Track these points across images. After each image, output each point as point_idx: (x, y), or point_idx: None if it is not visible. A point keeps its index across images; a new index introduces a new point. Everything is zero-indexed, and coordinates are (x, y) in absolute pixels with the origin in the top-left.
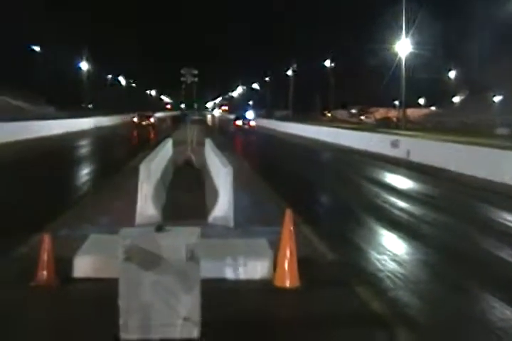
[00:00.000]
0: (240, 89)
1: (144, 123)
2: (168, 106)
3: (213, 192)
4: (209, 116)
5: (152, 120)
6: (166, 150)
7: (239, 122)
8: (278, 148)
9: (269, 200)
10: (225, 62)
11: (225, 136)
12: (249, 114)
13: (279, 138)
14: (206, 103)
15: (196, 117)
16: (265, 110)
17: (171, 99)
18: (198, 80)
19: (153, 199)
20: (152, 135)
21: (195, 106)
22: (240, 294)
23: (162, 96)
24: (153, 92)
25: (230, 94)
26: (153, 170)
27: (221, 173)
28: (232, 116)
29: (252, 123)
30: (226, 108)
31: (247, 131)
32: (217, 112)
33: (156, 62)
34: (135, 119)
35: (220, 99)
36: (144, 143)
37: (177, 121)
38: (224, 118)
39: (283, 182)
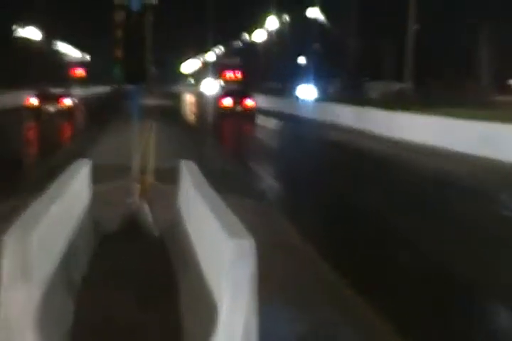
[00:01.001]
0: (269, 27)
1: (50, 109)
2: (80, 72)
3: (204, 307)
4: (189, 97)
5: (68, 102)
6: (72, 194)
7: (227, 101)
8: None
9: None
10: None
11: (231, 150)
12: (305, 90)
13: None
14: (181, 64)
15: (156, 101)
16: (341, 80)
17: (91, 54)
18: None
19: (39, 325)
20: (68, 133)
21: (153, 70)
22: None
23: (62, 47)
24: (63, 46)
25: (243, 38)
26: (40, 253)
27: (226, 258)
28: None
29: (249, 102)
30: (238, 74)
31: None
32: (211, 85)
33: None
34: (33, 101)
35: (219, 50)
36: (48, 152)
37: (104, 111)
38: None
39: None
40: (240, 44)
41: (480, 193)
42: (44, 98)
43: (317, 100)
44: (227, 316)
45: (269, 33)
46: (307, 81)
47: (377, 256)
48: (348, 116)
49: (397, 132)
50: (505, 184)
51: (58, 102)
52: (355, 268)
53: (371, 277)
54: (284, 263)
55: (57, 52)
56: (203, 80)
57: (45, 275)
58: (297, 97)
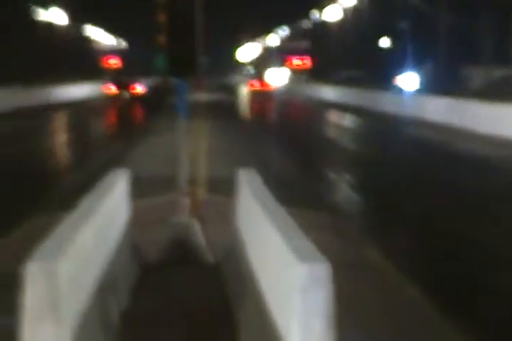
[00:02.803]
0: (343, 2)
1: (126, 95)
2: (114, 62)
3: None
4: (247, 91)
5: (139, 89)
6: (107, 213)
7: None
8: None
9: None
10: None
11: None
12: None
13: None
14: (236, 50)
15: (207, 96)
16: (433, 66)
17: (123, 39)
18: None
19: None
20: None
21: (204, 60)
22: None
23: (92, 32)
24: (94, 31)
25: (312, 17)
26: (69, 287)
27: (296, 285)
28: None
29: (269, 83)
30: (306, 60)
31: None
32: (276, 76)
33: None
34: (112, 89)
35: (282, 33)
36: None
37: (145, 109)
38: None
39: None
40: (309, 24)
41: None
42: (120, 86)
43: (418, 91)
44: None
45: (345, 10)
46: (406, 68)
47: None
48: (443, 110)
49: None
50: None
51: (131, 89)
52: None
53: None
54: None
55: (86, 39)
56: (266, 70)
57: (77, 313)
58: (398, 88)
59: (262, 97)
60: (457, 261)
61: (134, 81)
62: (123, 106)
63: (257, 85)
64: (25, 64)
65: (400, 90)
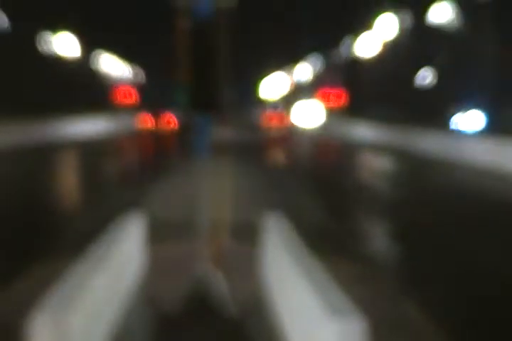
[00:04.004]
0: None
1: (162, 126)
2: (129, 95)
3: None
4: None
5: (173, 122)
6: (120, 262)
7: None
8: None
9: None
10: None
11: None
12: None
13: None
14: (261, 80)
15: (232, 135)
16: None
17: (140, 68)
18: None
19: None
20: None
21: (227, 95)
22: None
23: (106, 62)
24: (64, 45)
25: (347, 45)
26: None
27: None
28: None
29: (282, 117)
30: (338, 95)
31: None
32: (306, 111)
33: None
34: (150, 120)
35: (313, 65)
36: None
37: (164, 149)
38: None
39: None
40: (342, 56)
41: None
42: (156, 117)
43: (483, 132)
44: None
45: (382, 43)
46: (468, 105)
47: None
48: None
49: None
50: None
51: (168, 123)
52: None
53: None
54: None
55: (99, 70)
56: (294, 105)
57: None
58: (456, 129)
59: (296, 138)
60: None
61: (169, 114)
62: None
63: (273, 119)
64: (36, 96)
65: (457, 131)
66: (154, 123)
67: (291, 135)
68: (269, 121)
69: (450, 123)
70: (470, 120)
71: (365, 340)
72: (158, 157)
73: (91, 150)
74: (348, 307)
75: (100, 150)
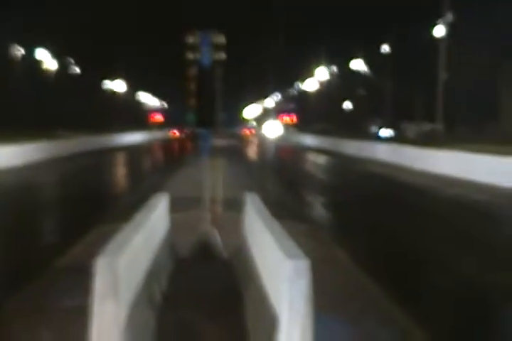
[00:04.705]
0: (319, 77)
1: (183, 136)
2: (158, 118)
3: (266, 319)
4: (251, 138)
5: (187, 133)
6: (153, 224)
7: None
8: None
9: None
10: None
11: (288, 186)
12: (383, 131)
13: None
14: (244, 109)
15: (223, 141)
16: (381, 121)
17: (164, 101)
18: (228, 61)
19: (126, 337)
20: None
21: (220, 116)
22: None
23: (143, 96)
24: (117, 86)
25: (297, 87)
26: (126, 275)
27: (285, 276)
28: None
29: (253, 131)
30: (293, 117)
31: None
32: (271, 127)
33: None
34: (175, 132)
35: (275, 98)
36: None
37: (181, 151)
38: (286, 144)
39: None
40: (295, 92)
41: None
42: (179, 130)
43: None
44: (287, 327)
45: (320, 82)
46: (378, 122)
47: None
48: (386, 152)
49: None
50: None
51: (184, 132)
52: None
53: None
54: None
55: (138, 101)
56: (264, 123)
57: (132, 294)
58: (378, 136)
59: (262, 142)
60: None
61: (183, 128)
62: (178, 142)
63: (247, 132)
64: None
65: (378, 137)
66: (178, 134)
67: (257, 140)
68: (245, 133)
69: (367, 133)
70: (381, 132)
71: (309, 272)
72: (180, 153)
73: (136, 150)
74: (297, 251)
75: (141, 150)
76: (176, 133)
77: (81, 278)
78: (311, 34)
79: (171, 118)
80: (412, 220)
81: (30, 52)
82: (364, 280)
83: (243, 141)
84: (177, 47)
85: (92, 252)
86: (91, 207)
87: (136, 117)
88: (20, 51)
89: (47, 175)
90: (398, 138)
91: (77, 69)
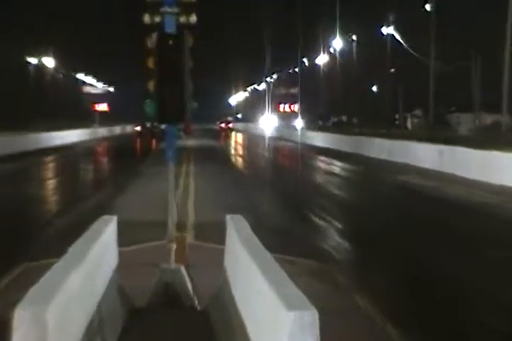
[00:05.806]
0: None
1: (146, 132)
2: (103, 107)
3: None
4: (236, 135)
5: (155, 130)
6: (95, 259)
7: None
8: None
9: None
10: None
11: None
12: None
13: None
14: (228, 97)
15: (196, 141)
16: (423, 112)
17: (115, 86)
18: (202, 27)
19: None
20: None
21: (191, 106)
22: None
23: (82, 79)
24: (82, 76)
25: (302, 65)
26: (57, 331)
27: (284, 332)
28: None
29: (229, 124)
30: (294, 107)
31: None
32: (268, 121)
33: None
34: (139, 129)
35: (272, 79)
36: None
37: (138, 155)
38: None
39: None
40: (298, 70)
41: None
42: (142, 127)
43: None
44: None
45: (333, 56)
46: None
47: None
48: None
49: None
50: None
51: (149, 129)
52: None
53: None
54: None
55: (74, 80)
56: (261, 116)
57: None
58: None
59: (251, 141)
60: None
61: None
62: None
63: (223, 126)
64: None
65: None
66: (140, 130)
67: (244, 138)
68: (221, 126)
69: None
70: None
71: (317, 327)
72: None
73: (73, 152)
74: (302, 299)
75: (80, 152)
76: (139, 129)
77: None
78: None
79: (122, 108)
80: (475, 264)
81: None
82: (395, 339)
83: (225, 139)
84: (130, 7)
85: (12, 300)
86: (7, 235)
87: (72, 107)
88: None
89: None
90: (443, 135)
91: None
